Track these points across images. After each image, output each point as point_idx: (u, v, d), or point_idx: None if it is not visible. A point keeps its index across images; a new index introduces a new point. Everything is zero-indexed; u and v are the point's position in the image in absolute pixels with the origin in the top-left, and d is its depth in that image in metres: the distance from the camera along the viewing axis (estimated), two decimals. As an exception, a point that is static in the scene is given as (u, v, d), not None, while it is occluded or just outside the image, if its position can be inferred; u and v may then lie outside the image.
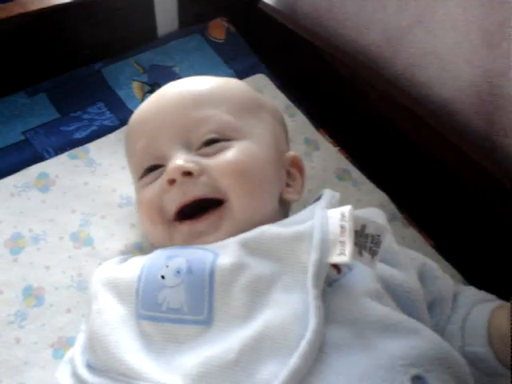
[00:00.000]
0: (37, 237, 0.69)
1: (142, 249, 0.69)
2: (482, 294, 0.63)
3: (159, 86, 0.87)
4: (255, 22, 1.03)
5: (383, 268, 0.57)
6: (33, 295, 0.64)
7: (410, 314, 0.53)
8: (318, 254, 0.50)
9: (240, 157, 0.59)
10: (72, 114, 0.83)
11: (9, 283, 0.65)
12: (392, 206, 0.82)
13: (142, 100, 0.87)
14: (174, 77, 0.89)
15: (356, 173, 0.86)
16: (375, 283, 0.53)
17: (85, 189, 0.75)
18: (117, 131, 0.82)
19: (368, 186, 0.84)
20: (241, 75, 0.92)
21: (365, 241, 0.51)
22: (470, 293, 0.64)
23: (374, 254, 0.51)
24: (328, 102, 0.95)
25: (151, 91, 0.88)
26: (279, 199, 0.63)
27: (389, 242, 0.59)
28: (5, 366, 0.59)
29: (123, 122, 0.83)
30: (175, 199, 0.58)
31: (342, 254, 0.49)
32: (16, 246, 0.68)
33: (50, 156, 0.78)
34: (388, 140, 0.86)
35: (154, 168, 0.62)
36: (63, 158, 0.77)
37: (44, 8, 0.80)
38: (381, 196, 0.83)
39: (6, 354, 0.60)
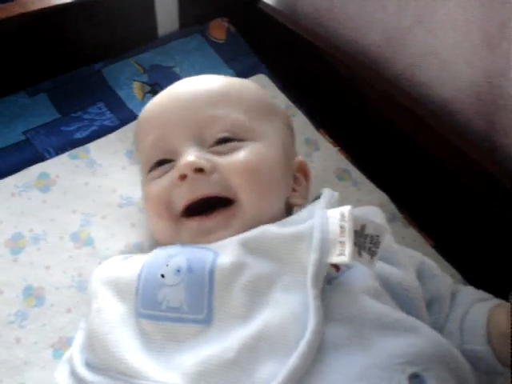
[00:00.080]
0: (37, 237, 0.69)
1: (143, 249, 0.69)
2: (481, 294, 0.64)
3: (159, 86, 0.88)
4: (255, 23, 1.03)
5: (382, 266, 0.57)
6: (33, 295, 0.64)
7: (408, 312, 0.53)
8: (317, 254, 0.50)
9: (252, 158, 0.59)
10: (72, 114, 0.83)
11: (9, 283, 0.65)
12: (392, 206, 0.82)
13: (143, 100, 0.87)
14: (175, 77, 0.88)
15: (356, 173, 0.86)
16: (374, 281, 0.54)
17: (85, 189, 0.75)
18: (117, 131, 0.82)
19: (368, 185, 0.84)
20: (241, 75, 0.91)
21: (364, 241, 0.51)
22: (469, 292, 0.64)
23: (373, 254, 0.51)
24: (328, 102, 0.95)
25: (151, 91, 0.88)
26: (285, 203, 0.63)
27: (388, 241, 0.59)
28: (5, 366, 0.59)
29: (123, 122, 0.84)
30: (185, 195, 0.58)
31: (342, 255, 0.49)
32: (16, 245, 0.68)
33: (51, 156, 0.78)
34: (388, 140, 0.86)
35: (163, 162, 0.62)
36: (64, 158, 0.77)
37: (45, 8, 0.80)
38: (381, 196, 0.83)
39: (6, 354, 0.60)
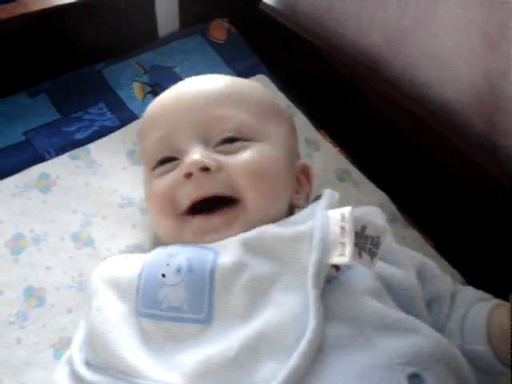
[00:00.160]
0: (38, 237, 0.69)
1: (143, 249, 0.69)
2: (481, 294, 0.64)
3: (160, 86, 0.88)
4: (256, 23, 1.03)
5: (382, 266, 0.57)
6: (34, 296, 0.64)
7: (408, 312, 0.53)
8: (318, 255, 0.50)
9: (259, 158, 0.59)
10: (73, 115, 0.83)
11: (10, 283, 0.65)
12: (392, 207, 0.82)
13: (143, 101, 0.87)
14: (175, 77, 0.89)
15: (356, 173, 0.86)
16: (374, 281, 0.54)
17: (86, 189, 0.75)
18: (118, 132, 0.82)
19: (368, 186, 0.84)
20: (241, 76, 0.91)
21: (364, 242, 0.51)
22: (469, 292, 0.64)
23: (373, 255, 0.51)
24: (328, 103, 0.95)
25: (152, 92, 0.88)
26: (288, 204, 0.63)
27: (388, 241, 0.59)
28: (6, 367, 0.59)
29: (124, 122, 0.84)
30: (190, 193, 0.58)
31: (342, 255, 0.49)
32: (17, 246, 0.68)
33: (51, 156, 0.78)
34: (388, 140, 0.86)
35: (167, 160, 0.62)
36: (64, 158, 0.77)
37: (46, 8, 0.80)
38: (381, 196, 0.83)
39: (6, 355, 0.60)
